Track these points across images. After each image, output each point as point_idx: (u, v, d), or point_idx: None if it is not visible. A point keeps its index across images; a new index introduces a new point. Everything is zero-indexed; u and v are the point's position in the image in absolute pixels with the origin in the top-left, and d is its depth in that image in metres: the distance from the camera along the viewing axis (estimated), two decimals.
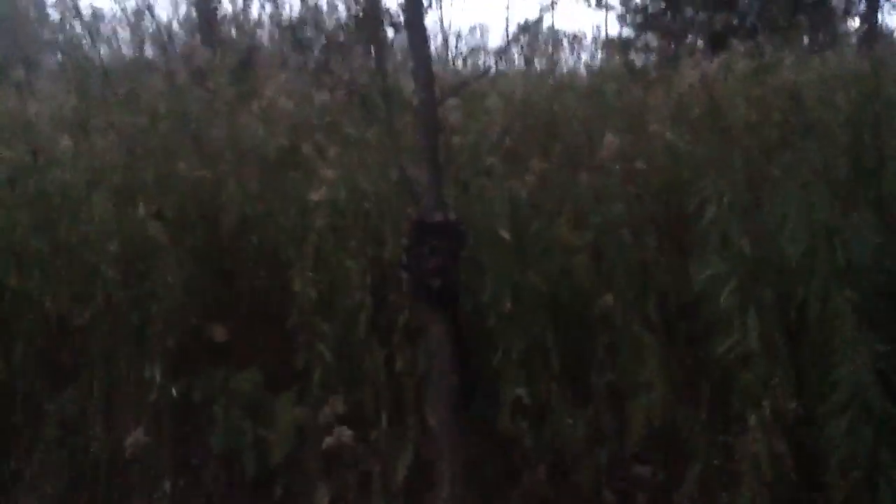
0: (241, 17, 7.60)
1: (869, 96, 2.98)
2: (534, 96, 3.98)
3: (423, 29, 1.79)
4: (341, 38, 2.51)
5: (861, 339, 1.78)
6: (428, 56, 1.77)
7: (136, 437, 2.28)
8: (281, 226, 2.97)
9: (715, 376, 1.99)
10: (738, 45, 3.23)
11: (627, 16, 13.34)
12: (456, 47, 8.11)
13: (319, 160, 2.79)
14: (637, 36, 13.02)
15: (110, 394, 2.53)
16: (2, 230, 2.76)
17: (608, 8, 10.65)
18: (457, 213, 1.85)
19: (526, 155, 2.89)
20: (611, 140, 2.24)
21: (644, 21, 13.07)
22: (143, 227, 2.65)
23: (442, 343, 1.78)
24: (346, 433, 2.32)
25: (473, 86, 3.22)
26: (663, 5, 12.97)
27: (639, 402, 2.06)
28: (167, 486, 2.30)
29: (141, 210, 2.72)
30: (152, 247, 2.66)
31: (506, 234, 2.07)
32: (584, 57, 8.24)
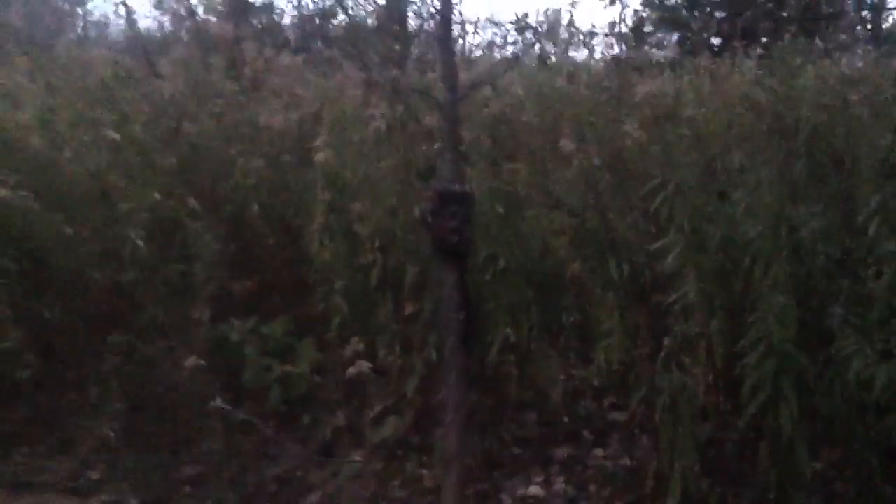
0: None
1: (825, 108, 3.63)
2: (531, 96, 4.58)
3: (451, 43, 2.38)
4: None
5: (775, 297, 2.39)
6: (454, 64, 2.36)
7: (192, 361, 2.84)
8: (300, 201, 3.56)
9: (665, 325, 2.59)
10: (701, 60, 3.87)
11: (645, 11, 13.90)
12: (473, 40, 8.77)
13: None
14: (654, 31, 13.64)
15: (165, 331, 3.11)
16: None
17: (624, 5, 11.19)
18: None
19: (520, 148, 3.52)
20: (566, 144, 2.86)
21: (662, 17, 13.68)
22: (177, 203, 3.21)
23: (454, 288, 2.36)
24: (365, 365, 2.91)
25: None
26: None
27: (601, 346, 2.67)
28: (218, 401, 2.86)
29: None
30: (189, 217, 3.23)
31: (500, 209, 2.68)
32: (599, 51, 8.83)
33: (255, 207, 3.64)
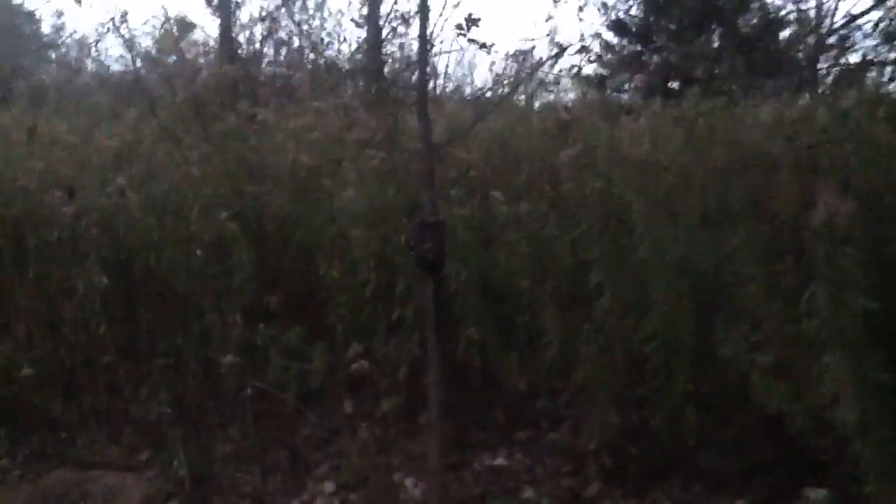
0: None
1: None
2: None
3: (426, 110, 3.23)
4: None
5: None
6: (429, 127, 3.22)
7: (230, 359, 3.65)
8: (313, 230, 4.38)
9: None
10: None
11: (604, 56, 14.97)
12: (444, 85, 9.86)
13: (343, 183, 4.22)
14: (611, 75, 14.68)
15: (204, 335, 3.93)
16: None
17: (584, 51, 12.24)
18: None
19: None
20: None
21: (620, 61, 14.75)
22: (224, 226, 4.05)
23: (431, 295, 3.19)
24: (364, 363, 3.71)
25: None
26: (639, 47, 14.72)
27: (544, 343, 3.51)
28: (248, 391, 3.67)
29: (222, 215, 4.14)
30: (230, 239, 4.06)
31: (461, 231, 3.53)
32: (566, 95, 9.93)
33: (279, 234, 4.47)
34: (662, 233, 3.46)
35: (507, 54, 10.52)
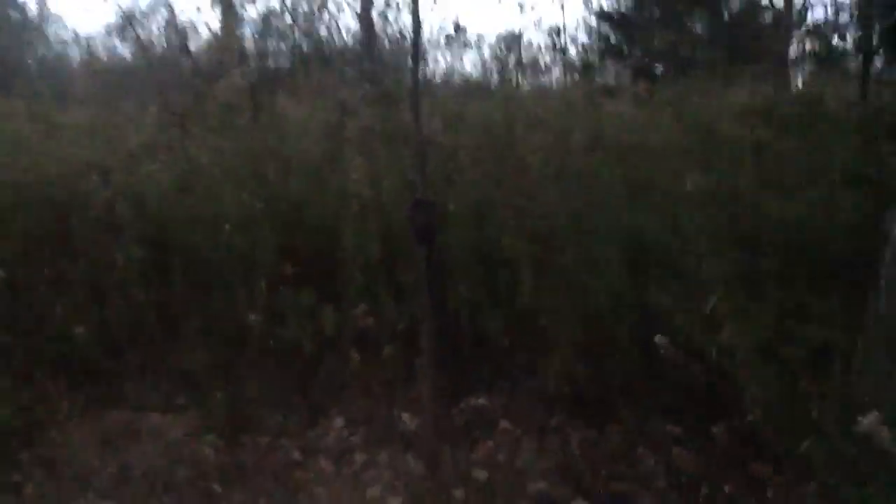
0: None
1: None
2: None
3: (420, 106, 3.99)
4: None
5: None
6: (420, 119, 3.99)
7: (255, 317, 4.43)
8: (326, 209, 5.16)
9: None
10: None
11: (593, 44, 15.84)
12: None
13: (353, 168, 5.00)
14: (599, 62, 15.47)
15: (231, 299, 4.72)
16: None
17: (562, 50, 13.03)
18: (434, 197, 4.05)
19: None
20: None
21: (605, 48, 15.55)
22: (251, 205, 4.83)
23: (424, 262, 3.97)
24: (370, 320, 4.50)
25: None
26: (621, 36, 15.52)
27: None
28: (271, 344, 4.46)
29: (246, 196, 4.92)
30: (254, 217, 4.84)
31: (451, 206, 4.31)
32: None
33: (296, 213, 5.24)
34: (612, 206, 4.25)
35: (496, 40, 11.40)
